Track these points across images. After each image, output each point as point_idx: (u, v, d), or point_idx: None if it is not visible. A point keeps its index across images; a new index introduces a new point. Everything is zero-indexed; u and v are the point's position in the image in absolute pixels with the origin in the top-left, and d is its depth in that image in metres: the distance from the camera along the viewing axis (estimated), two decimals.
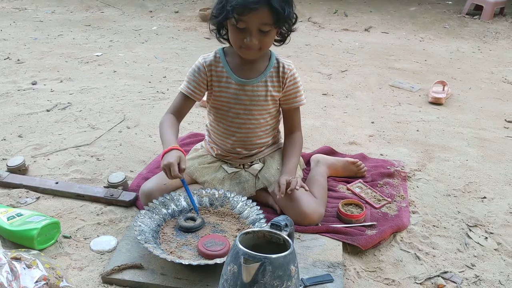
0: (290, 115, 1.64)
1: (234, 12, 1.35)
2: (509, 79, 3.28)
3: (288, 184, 1.46)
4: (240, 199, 1.55)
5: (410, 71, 3.37)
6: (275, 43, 1.53)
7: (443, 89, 2.84)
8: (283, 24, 1.43)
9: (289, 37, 1.53)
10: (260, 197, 1.63)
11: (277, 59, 1.57)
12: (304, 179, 1.74)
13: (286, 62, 1.58)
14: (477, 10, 5.01)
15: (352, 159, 1.87)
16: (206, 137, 1.75)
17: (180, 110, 1.61)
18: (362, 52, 3.82)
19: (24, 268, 1.19)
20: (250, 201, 1.53)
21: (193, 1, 5.34)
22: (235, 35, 1.42)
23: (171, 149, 1.41)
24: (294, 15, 1.46)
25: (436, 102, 2.75)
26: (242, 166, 1.67)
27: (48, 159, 1.96)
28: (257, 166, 1.66)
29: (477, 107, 2.75)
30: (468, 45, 4.12)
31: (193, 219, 1.48)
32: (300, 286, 1.27)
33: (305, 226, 1.50)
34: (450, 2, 5.58)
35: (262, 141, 1.66)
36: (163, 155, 1.41)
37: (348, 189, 1.78)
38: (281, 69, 1.56)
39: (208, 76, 1.56)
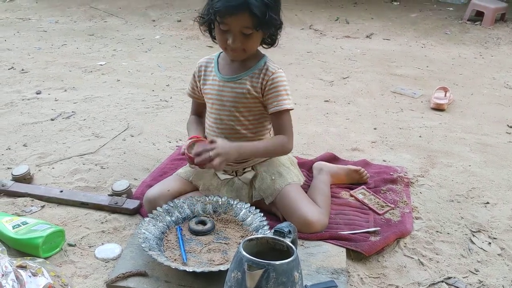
0: (274, 120, 1.59)
1: (217, 15, 1.43)
2: (511, 84, 3.28)
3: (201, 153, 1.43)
4: (243, 206, 1.56)
5: (412, 77, 3.38)
6: (264, 46, 1.57)
7: (445, 95, 2.84)
8: (265, 28, 1.46)
9: (277, 40, 1.57)
10: (263, 204, 1.64)
11: (265, 63, 1.58)
12: (307, 187, 1.74)
13: (273, 66, 1.57)
14: (478, 16, 5.02)
15: (355, 167, 1.87)
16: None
17: (195, 109, 1.78)
18: (364, 58, 3.83)
19: (30, 276, 1.20)
20: (253, 208, 1.54)
21: (195, 10, 5.37)
22: (219, 36, 1.50)
23: (189, 139, 1.55)
24: (278, 20, 1.48)
25: (438, 108, 2.76)
26: (235, 174, 1.68)
27: (53, 168, 1.98)
28: (248, 175, 1.65)
29: (479, 112, 2.75)
30: (470, 51, 4.13)
31: (203, 222, 1.50)
32: None
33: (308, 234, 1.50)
34: (451, 9, 5.60)
35: (246, 138, 1.63)
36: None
37: (351, 195, 1.78)
38: (263, 71, 1.56)
39: (198, 76, 1.67)
